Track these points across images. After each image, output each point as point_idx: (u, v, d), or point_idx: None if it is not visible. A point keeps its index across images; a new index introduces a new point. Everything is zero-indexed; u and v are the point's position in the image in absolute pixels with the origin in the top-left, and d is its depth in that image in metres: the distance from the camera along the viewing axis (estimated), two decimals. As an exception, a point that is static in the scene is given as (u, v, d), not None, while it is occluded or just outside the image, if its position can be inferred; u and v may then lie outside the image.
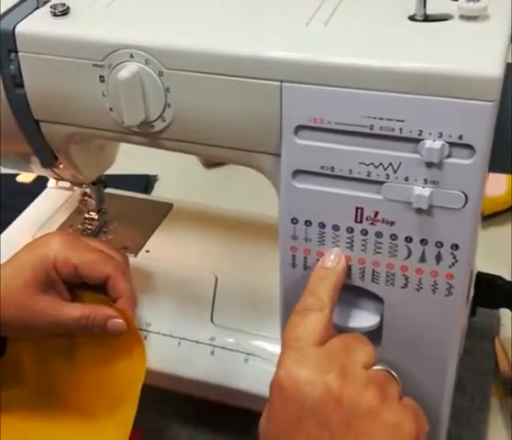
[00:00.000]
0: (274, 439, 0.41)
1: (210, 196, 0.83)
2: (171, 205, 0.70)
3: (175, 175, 0.92)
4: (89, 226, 0.66)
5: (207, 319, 0.58)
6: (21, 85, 0.48)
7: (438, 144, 0.40)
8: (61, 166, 0.55)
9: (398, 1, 0.45)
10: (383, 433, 0.39)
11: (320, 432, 0.39)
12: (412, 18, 0.43)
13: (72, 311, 0.50)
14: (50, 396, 0.53)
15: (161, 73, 0.44)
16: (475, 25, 0.42)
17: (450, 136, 0.39)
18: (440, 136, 0.40)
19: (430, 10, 0.43)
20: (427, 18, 0.43)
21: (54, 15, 0.47)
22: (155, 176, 0.93)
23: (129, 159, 0.70)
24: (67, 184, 0.64)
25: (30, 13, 0.48)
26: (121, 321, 0.50)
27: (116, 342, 0.51)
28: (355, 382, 0.40)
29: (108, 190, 0.67)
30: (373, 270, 0.45)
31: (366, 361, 0.42)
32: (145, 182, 0.91)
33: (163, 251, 0.64)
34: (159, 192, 0.90)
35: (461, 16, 0.43)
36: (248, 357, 0.55)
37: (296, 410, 0.40)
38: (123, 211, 0.69)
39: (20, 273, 0.49)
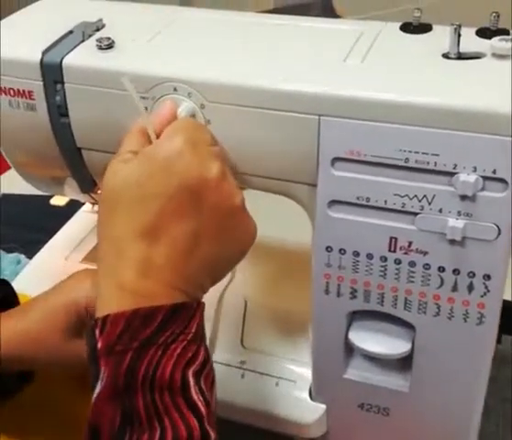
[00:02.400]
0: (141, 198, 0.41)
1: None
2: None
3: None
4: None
5: (238, 342, 0.59)
6: (66, 115, 0.50)
7: (472, 178, 0.41)
8: (99, 191, 0.57)
9: (432, 39, 0.47)
10: (219, 197, 0.42)
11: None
12: (446, 56, 0.45)
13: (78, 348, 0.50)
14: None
15: (202, 106, 0.46)
16: (507, 63, 0.44)
17: (484, 170, 0.41)
18: (475, 170, 0.41)
19: (463, 48, 0.45)
20: (460, 56, 0.44)
21: (100, 48, 0.49)
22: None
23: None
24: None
25: (76, 46, 0.50)
26: None
27: None
28: (201, 152, 0.42)
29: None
30: (406, 299, 0.47)
31: (210, 140, 0.44)
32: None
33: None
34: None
35: (494, 55, 0.44)
36: (278, 381, 0.56)
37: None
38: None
39: (53, 318, 0.50)
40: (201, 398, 0.38)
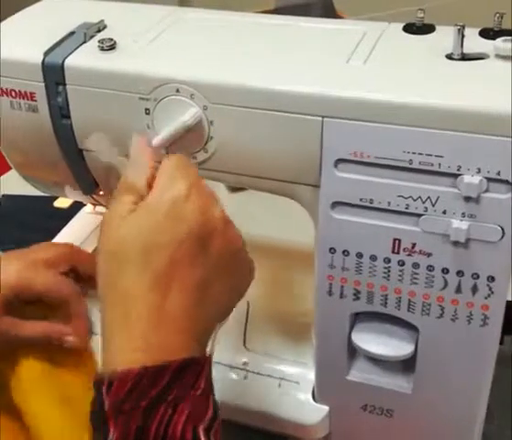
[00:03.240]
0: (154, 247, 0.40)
1: (234, 219, 0.84)
2: (201, 230, 0.71)
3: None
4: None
5: (240, 344, 0.59)
6: (68, 116, 0.50)
7: (476, 179, 0.41)
8: (101, 193, 0.57)
9: (435, 40, 0.47)
10: (225, 240, 0.41)
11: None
12: (449, 57, 0.45)
13: (32, 329, 0.52)
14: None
15: (205, 107, 0.46)
16: (511, 64, 0.43)
17: (489, 171, 0.41)
18: (479, 171, 0.41)
19: (467, 49, 0.44)
20: (464, 57, 0.44)
21: (102, 49, 0.48)
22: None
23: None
24: (103, 209, 0.66)
25: (77, 47, 0.50)
26: (75, 339, 0.53)
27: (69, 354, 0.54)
28: (203, 196, 0.41)
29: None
30: (409, 300, 0.46)
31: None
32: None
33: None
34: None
35: (497, 55, 0.44)
36: (281, 383, 0.56)
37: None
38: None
39: None
40: None
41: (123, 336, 0.39)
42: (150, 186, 0.42)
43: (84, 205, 0.71)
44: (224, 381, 0.57)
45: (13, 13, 0.56)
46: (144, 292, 0.39)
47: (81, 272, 0.55)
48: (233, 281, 0.43)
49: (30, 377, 0.54)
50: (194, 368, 0.39)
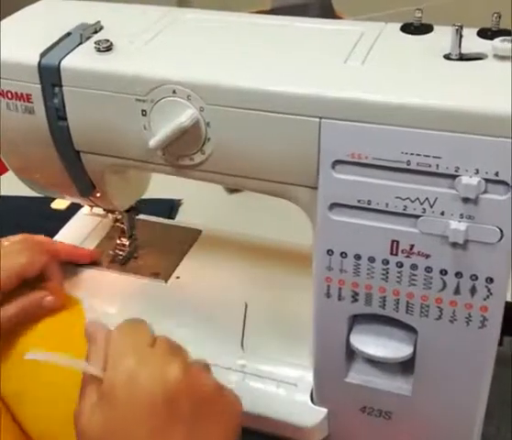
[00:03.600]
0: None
1: (233, 221, 0.84)
2: (199, 232, 0.71)
3: (198, 199, 0.93)
4: (120, 252, 0.67)
5: (238, 346, 0.59)
6: (64, 118, 0.50)
7: (474, 180, 0.41)
8: (97, 194, 0.57)
9: (433, 40, 0.47)
10: (193, 392, 0.41)
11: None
12: (447, 57, 0.44)
13: (11, 310, 0.53)
14: None
15: (202, 109, 0.45)
16: (509, 64, 0.43)
17: (487, 172, 0.41)
18: (477, 172, 0.41)
19: (465, 49, 0.44)
20: (462, 57, 0.44)
21: (98, 50, 0.48)
22: (180, 200, 0.94)
23: (151, 182, 0.71)
24: (101, 211, 0.65)
25: (74, 48, 0.50)
26: (52, 297, 0.56)
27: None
28: (153, 361, 0.41)
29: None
30: (408, 302, 0.46)
31: (149, 338, 0.43)
32: (169, 207, 0.92)
33: (194, 278, 0.65)
34: (182, 217, 0.91)
35: (496, 56, 0.44)
36: (279, 385, 0.56)
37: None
38: (152, 237, 0.70)
39: None
40: None
41: None
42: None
43: (82, 207, 0.71)
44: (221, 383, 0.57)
45: (9, 14, 0.56)
46: None
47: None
48: (219, 424, 0.43)
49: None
50: None
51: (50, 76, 0.49)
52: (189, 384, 0.41)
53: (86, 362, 0.43)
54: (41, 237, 0.62)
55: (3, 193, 0.89)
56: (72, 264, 0.65)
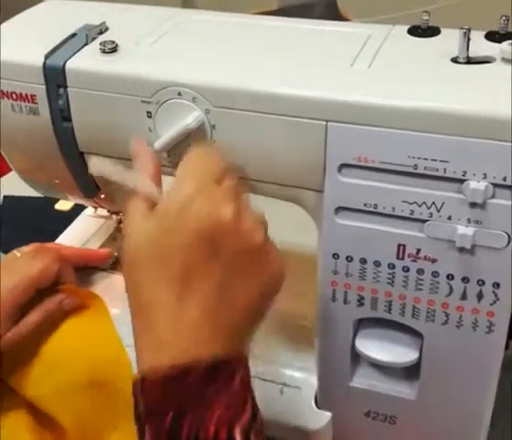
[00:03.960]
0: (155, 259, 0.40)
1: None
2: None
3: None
4: (124, 253, 0.67)
5: (242, 348, 0.59)
6: (69, 119, 0.50)
7: (482, 185, 0.40)
8: (102, 196, 0.56)
9: (440, 43, 0.46)
10: (238, 239, 0.40)
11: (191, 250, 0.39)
12: (455, 60, 0.44)
13: (34, 318, 0.54)
14: None
15: (207, 111, 0.45)
16: (518, 68, 0.43)
17: (495, 177, 0.40)
18: (485, 177, 0.40)
19: (472, 52, 0.44)
20: (469, 61, 0.44)
21: (103, 52, 0.48)
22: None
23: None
24: (104, 212, 0.65)
25: (79, 49, 0.49)
26: (71, 298, 0.56)
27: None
28: (212, 197, 0.40)
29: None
30: (414, 307, 0.46)
31: (218, 174, 0.42)
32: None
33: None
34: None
35: (503, 59, 0.44)
36: (283, 388, 0.56)
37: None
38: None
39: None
40: None
41: (145, 341, 0.40)
42: (158, 185, 0.42)
43: (85, 208, 0.71)
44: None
45: (13, 15, 0.56)
46: (160, 298, 0.39)
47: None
48: (255, 278, 0.41)
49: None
50: (226, 369, 0.39)
51: (54, 77, 0.48)
52: (238, 232, 0.40)
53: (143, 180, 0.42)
54: (52, 245, 0.62)
55: (6, 194, 0.89)
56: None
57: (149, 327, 0.40)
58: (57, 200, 0.68)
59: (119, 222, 0.66)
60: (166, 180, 0.55)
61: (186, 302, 0.39)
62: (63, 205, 0.67)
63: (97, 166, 0.44)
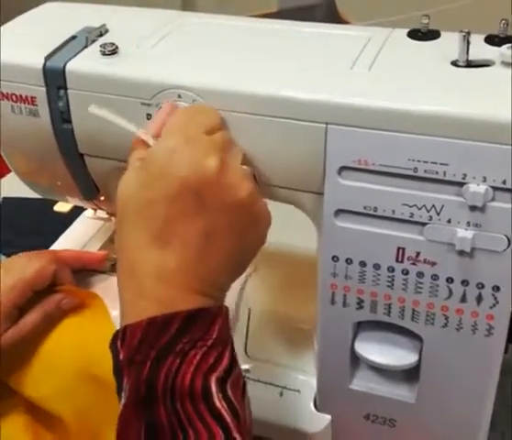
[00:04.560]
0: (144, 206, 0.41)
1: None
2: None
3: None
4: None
5: (241, 351, 0.59)
6: (69, 121, 0.50)
7: (482, 188, 0.40)
8: (101, 198, 0.56)
9: (440, 46, 0.46)
10: (222, 192, 0.40)
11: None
12: (454, 64, 0.44)
13: (32, 318, 0.54)
14: None
15: (207, 113, 0.45)
16: (517, 71, 0.43)
17: (494, 180, 0.40)
18: (484, 180, 0.40)
19: (472, 55, 0.44)
20: (469, 64, 0.44)
21: (103, 54, 0.48)
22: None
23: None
24: (104, 214, 0.65)
25: (79, 52, 0.49)
26: (70, 298, 0.56)
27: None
28: (197, 148, 0.40)
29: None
30: (413, 310, 0.46)
31: (210, 127, 0.42)
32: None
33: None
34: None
35: (503, 63, 0.44)
36: (282, 391, 0.56)
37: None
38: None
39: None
40: (225, 406, 0.37)
41: (130, 292, 0.41)
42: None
43: (85, 209, 0.70)
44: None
45: (13, 15, 0.56)
46: (143, 249, 0.40)
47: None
48: (239, 232, 0.41)
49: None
50: (204, 318, 0.39)
51: (55, 79, 0.48)
52: (221, 184, 0.40)
53: (142, 129, 0.43)
54: (48, 250, 0.62)
55: (4, 195, 0.89)
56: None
57: (132, 277, 0.40)
58: (56, 201, 0.68)
59: (119, 224, 0.66)
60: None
61: (168, 251, 0.40)
62: (62, 207, 0.66)
63: (96, 109, 0.44)
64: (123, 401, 0.38)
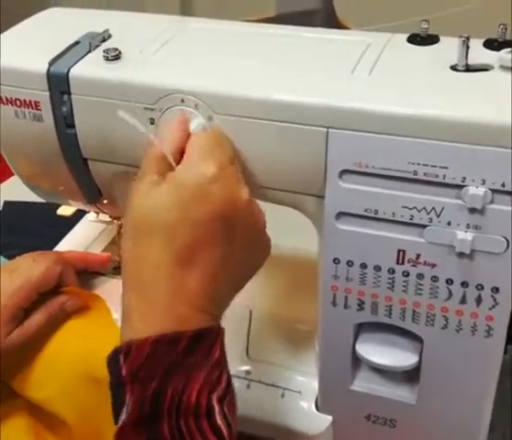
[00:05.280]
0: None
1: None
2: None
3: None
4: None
5: (243, 353, 0.59)
6: (72, 125, 0.50)
7: (481, 191, 0.41)
8: (104, 201, 0.57)
9: (439, 50, 0.47)
10: (249, 222, 0.43)
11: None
12: (454, 68, 0.45)
13: (37, 319, 0.54)
14: None
15: (210, 118, 0.46)
16: (516, 75, 0.44)
17: (493, 183, 0.41)
18: (483, 183, 0.41)
19: (471, 60, 0.45)
20: (468, 68, 0.44)
21: (107, 59, 0.49)
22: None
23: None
24: (106, 217, 0.66)
25: (82, 57, 0.50)
26: (74, 300, 0.57)
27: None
28: (230, 178, 0.42)
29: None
30: (414, 311, 0.46)
31: (232, 156, 0.44)
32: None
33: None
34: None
35: (502, 67, 0.44)
36: (284, 392, 0.56)
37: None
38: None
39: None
40: (224, 423, 0.39)
41: (142, 306, 0.41)
42: (177, 160, 0.43)
43: (87, 213, 0.71)
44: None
45: (13, 16, 0.56)
46: (165, 265, 0.41)
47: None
48: (251, 258, 0.44)
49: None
50: (209, 338, 0.41)
51: (58, 84, 0.49)
52: (249, 214, 0.43)
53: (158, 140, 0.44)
54: (53, 251, 0.62)
55: (7, 199, 0.89)
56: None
57: (145, 293, 0.41)
58: (59, 205, 0.69)
59: (120, 227, 0.67)
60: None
61: (190, 272, 0.41)
62: (65, 210, 0.67)
63: (126, 115, 0.45)
64: (123, 416, 0.38)
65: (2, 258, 0.77)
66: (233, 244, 0.42)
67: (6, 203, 0.89)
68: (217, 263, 0.41)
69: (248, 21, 0.59)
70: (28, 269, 0.54)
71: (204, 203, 0.41)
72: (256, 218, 0.43)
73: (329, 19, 1.15)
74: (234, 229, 0.42)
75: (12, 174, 0.59)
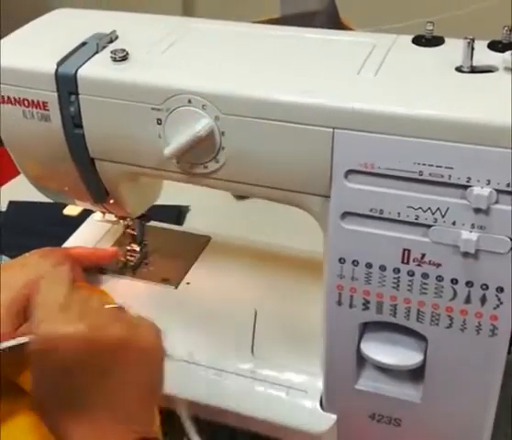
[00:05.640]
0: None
1: (241, 227, 0.84)
2: (208, 238, 0.72)
3: (205, 206, 0.94)
4: (131, 258, 0.68)
5: (248, 352, 0.59)
6: (80, 126, 0.51)
7: (486, 191, 0.41)
8: (111, 201, 0.57)
9: (444, 52, 0.47)
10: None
11: None
12: (459, 69, 0.45)
13: None
14: None
15: (217, 118, 0.46)
16: (520, 77, 0.44)
17: (498, 183, 0.41)
18: (488, 183, 0.41)
19: (476, 61, 0.45)
20: (473, 70, 0.45)
21: (114, 60, 0.49)
22: (187, 207, 0.95)
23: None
24: (112, 217, 0.66)
25: (90, 57, 0.50)
26: None
27: None
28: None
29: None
30: (419, 310, 0.47)
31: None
32: (177, 213, 0.93)
33: (203, 284, 0.66)
34: (191, 223, 0.92)
35: (506, 68, 0.45)
36: (288, 391, 0.56)
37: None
38: (162, 243, 0.71)
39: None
40: None
41: None
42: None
43: (94, 213, 0.71)
44: (231, 389, 0.58)
45: (13, 17, 0.57)
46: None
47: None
48: (145, 379, 0.45)
49: None
50: None
51: (66, 84, 0.49)
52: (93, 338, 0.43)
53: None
54: (60, 248, 0.63)
55: (13, 199, 0.89)
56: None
57: None
58: (65, 205, 0.69)
59: (127, 227, 0.67)
60: (172, 185, 0.57)
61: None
62: (72, 210, 0.67)
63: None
64: None
65: (5, 258, 0.77)
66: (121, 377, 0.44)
67: (11, 203, 0.89)
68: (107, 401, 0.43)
69: (251, 22, 0.59)
70: (36, 264, 0.54)
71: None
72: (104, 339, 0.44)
73: (333, 20, 1.15)
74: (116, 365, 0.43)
75: (18, 174, 0.60)
